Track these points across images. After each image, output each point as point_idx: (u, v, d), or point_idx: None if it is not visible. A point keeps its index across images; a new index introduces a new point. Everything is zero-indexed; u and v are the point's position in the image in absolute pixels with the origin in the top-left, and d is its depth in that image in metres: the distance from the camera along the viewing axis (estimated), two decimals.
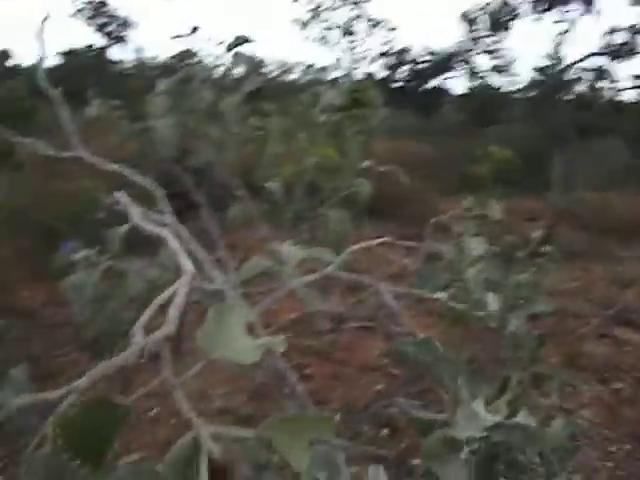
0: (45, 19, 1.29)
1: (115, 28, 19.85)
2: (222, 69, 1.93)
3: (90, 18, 19.57)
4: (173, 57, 1.82)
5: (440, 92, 19.95)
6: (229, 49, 1.86)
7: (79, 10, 19.51)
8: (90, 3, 19.26)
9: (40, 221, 5.00)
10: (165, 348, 0.56)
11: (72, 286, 1.46)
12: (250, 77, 2.17)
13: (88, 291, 1.46)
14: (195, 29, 1.80)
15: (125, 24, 19.93)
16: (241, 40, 1.86)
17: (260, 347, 0.56)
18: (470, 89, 19.00)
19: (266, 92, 2.25)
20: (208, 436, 0.51)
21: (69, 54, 20.76)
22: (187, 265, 0.69)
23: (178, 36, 1.82)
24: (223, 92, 1.97)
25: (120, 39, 20.04)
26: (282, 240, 1.69)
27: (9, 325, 3.77)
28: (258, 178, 2.34)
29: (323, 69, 19.66)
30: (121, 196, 0.87)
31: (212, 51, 1.88)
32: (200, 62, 1.88)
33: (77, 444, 0.55)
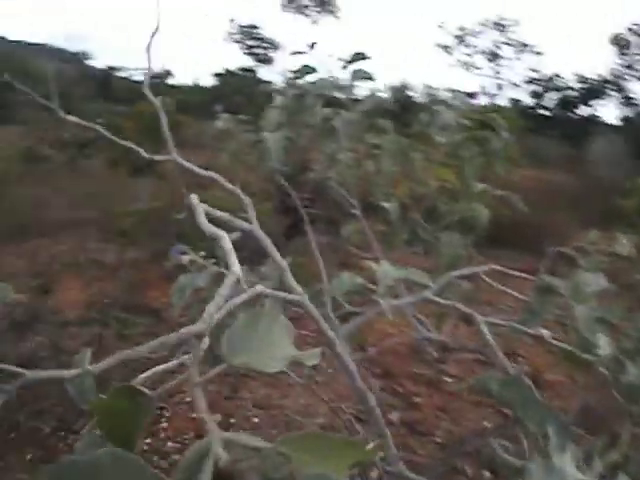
0: (150, 42, 1.39)
1: (263, 50, 21.03)
2: (340, 85, 1.94)
3: (240, 41, 20.92)
4: (293, 72, 1.86)
5: (591, 120, 18.80)
6: (347, 65, 1.87)
7: (232, 34, 20.95)
8: (242, 27, 20.59)
9: (172, 225, 5.38)
10: (196, 346, 0.55)
11: (175, 288, 1.53)
12: (370, 94, 2.17)
13: (188, 294, 1.52)
14: (313, 45, 1.83)
15: (273, 46, 21.05)
16: (359, 57, 1.86)
17: (287, 358, 0.54)
18: (623, 118, 17.70)
19: (389, 111, 2.23)
20: (219, 442, 0.49)
21: (223, 75, 22.32)
22: (235, 267, 0.69)
23: (298, 52, 1.86)
24: (340, 108, 1.98)
25: (268, 60, 21.17)
26: (394, 261, 1.64)
27: (135, 322, 4.06)
28: (374, 197, 2.31)
29: (466, 94, 19.29)
30: (192, 198, 0.90)
31: (334, 68, 1.90)
32: (319, 78, 1.90)
33: (108, 429, 0.56)
